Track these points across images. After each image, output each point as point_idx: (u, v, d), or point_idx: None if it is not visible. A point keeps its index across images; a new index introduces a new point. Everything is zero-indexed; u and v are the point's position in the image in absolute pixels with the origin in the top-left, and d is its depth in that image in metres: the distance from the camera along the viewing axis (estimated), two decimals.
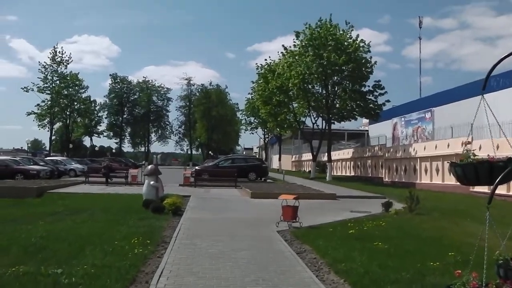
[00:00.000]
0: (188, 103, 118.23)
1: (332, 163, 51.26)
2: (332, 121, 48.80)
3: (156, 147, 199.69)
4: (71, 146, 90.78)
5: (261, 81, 55.97)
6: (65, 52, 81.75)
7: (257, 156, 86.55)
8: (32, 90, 79.08)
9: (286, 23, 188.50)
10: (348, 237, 12.76)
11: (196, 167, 44.96)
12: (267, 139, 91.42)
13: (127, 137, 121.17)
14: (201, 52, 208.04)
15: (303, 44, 45.86)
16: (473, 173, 5.71)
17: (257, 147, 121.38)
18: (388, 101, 47.05)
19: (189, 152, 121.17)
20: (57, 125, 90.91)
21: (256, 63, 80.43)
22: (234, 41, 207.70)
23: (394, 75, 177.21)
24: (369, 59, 45.01)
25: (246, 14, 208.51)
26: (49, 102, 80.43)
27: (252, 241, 12.25)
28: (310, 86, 47.14)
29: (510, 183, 24.60)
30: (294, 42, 47.74)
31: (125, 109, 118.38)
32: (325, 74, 44.54)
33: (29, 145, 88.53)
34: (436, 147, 34.43)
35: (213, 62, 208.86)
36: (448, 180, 32.06)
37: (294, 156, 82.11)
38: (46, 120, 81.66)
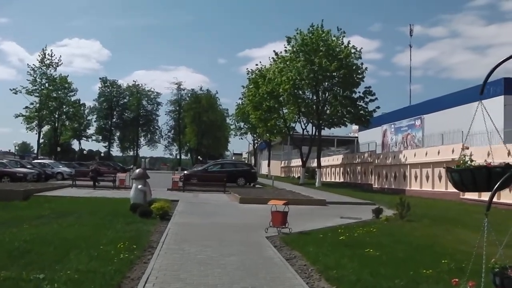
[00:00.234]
0: (178, 108, 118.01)
1: (322, 169, 51.13)
2: (322, 127, 48.74)
3: (145, 151, 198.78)
4: (59, 149, 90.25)
5: (252, 86, 55.89)
6: (54, 55, 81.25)
7: (246, 162, 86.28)
8: (21, 92, 78.55)
9: (277, 29, 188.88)
10: (338, 244, 12.55)
11: (185, 172, 44.70)
12: (256, 145, 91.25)
13: (116, 141, 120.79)
14: (192, 57, 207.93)
15: (294, 49, 45.76)
16: (470, 179, 5.55)
17: (246, 153, 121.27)
18: (378, 107, 47.24)
19: (178, 156, 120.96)
20: (46, 128, 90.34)
21: (247, 68, 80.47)
22: (225, 47, 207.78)
23: (385, 83, 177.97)
24: (360, 66, 44.97)
25: (237, 20, 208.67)
26: (38, 105, 79.85)
27: (241, 247, 12.02)
28: (300, 92, 47.05)
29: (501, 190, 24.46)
30: (285, 47, 47.69)
31: (115, 113, 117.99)
32: (316, 80, 44.42)
33: (16, 147, 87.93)
34: (426, 154, 34.38)
35: (204, 67, 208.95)
36: (438, 186, 32.03)
37: (283, 162, 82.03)
38: (34, 123, 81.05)
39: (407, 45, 75.87)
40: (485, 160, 5.51)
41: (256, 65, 60.55)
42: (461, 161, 5.74)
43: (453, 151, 30.24)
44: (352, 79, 44.36)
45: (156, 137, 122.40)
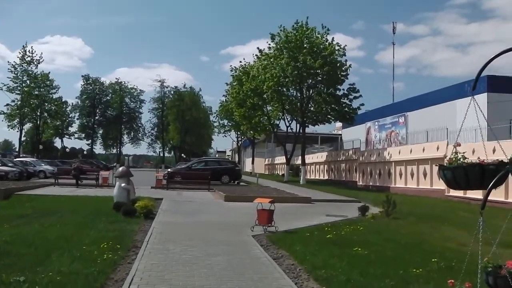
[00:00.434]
0: (161, 106, 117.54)
1: (306, 167, 51.02)
2: (307, 124, 48.62)
3: (129, 149, 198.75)
4: (41, 147, 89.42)
5: (236, 83, 55.64)
6: (35, 52, 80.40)
7: (230, 159, 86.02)
8: (1, 89, 77.71)
9: (260, 26, 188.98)
10: (326, 242, 12.39)
11: (169, 170, 44.41)
12: (240, 142, 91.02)
13: (99, 139, 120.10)
14: (174, 55, 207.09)
15: (278, 46, 45.54)
16: (463, 176, 5.40)
17: (230, 150, 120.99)
18: (362, 104, 47.18)
19: (161, 154, 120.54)
20: (28, 126, 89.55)
21: (231, 65, 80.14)
22: (208, 44, 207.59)
23: (367, 80, 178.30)
24: (344, 63, 44.85)
25: (220, 17, 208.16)
26: (19, 102, 79.01)
27: (227, 246, 11.80)
28: (284, 89, 46.86)
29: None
30: (269, 44, 47.41)
31: (97, 110, 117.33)
32: (300, 77, 44.23)
33: None
34: (411, 151, 34.33)
35: (187, 65, 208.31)
36: (423, 184, 32.02)
37: (267, 159, 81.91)
38: (16, 121, 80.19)
39: (390, 43, 75.69)
40: (478, 158, 5.36)
41: (240, 62, 60.30)
42: (454, 159, 5.58)
43: (438, 148, 30.27)
44: (336, 76, 44.27)
45: (140, 134, 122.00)
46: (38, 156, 78.43)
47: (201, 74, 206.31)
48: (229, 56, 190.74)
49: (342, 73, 44.53)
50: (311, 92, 46.69)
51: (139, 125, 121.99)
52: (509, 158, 5.07)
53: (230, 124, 77.74)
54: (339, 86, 45.46)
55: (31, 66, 79.81)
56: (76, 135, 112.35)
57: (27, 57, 79.20)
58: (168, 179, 34.64)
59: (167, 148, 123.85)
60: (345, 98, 45.86)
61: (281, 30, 45.56)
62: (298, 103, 47.01)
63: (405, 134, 46.60)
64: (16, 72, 78.79)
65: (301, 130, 49.20)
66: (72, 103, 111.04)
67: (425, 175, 31.89)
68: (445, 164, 5.67)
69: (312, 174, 57.78)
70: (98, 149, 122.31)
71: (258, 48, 50.16)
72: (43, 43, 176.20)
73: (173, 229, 14.61)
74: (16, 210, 18.21)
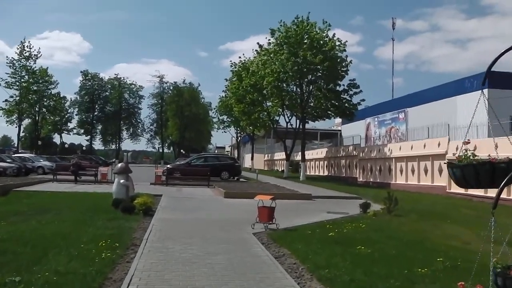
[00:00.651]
0: (160, 101, 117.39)
1: (306, 163, 50.79)
2: (306, 120, 48.40)
3: (128, 145, 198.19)
4: (40, 143, 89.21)
5: (235, 79, 55.42)
6: (33, 47, 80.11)
7: (229, 155, 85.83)
8: (0, 85, 77.45)
9: (258, 22, 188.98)
10: (328, 240, 12.17)
11: (168, 166, 44.20)
12: (239, 138, 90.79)
13: (98, 134, 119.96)
14: (173, 50, 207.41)
15: (278, 42, 45.29)
16: (473, 174, 5.20)
17: (229, 146, 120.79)
18: (363, 100, 46.96)
19: (160, 150, 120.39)
20: (26, 122, 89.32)
21: (230, 61, 79.98)
22: (207, 40, 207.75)
23: (366, 76, 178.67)
24: (345, 58, 44.63)
25: (219, 12, 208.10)
26: (18, 98, 78.73)
27: (228, 244, 11.58)
28: (284, 85, 46.58)
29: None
30: (269, 40, 47.16)
31: (96, 106, 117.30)
32: (300, 73, 44.02)
33: None
34: (412, 147, 34.12)
35: (186, 60, 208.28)
36: (424, 180, 31.83)
37: (266, 155, 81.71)
38: (14, 116, 79.97)
39: (388, 39, 75.77)
40: (489, 155, 5.17)
41: (239, 57, 60.05)
42: (463, 156, 5.38)
43: (439, 144, 30.08)
44: (336, 72, 44.05)
45: (139, 130, 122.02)
46: (37, 152, 78.19)
47: (199, 69, 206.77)
48: (228, 52, 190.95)
49: (342, 69, 44.30)
50: (311, 87, 46.46)
51: (138, 121, 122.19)
52: None
53: (230, 120, 77.51)
54: (339, 82, 45.22)
55: (29, 61, 79.56)
56: (75, 131, 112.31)
57: (25, 52, 78.95)
58: (167, 175, 34.44)
59: (166, 144, 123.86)
60: (345, 94, 45.62)
61: (281, 25, 45.34)
62: (298, 99, 46.79)
63: (405, 130, 46.40)
64: (14, 68, 78.60)
65: (301, 126, 48.97)
66: (71, 98, 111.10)
67: (426, 171, 31.70)
68: (454, 162, 5.47)
69: (311, 170, 57.59)
70: (98, 144, 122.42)
71: (258, 43, 50.03)
72: (41, 39, 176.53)
73: (173, 226, 14.41)
74: (14, 207, 17.99)
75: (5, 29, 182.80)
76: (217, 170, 38.71)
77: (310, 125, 54.84)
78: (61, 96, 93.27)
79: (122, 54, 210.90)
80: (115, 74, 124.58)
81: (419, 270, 9.05)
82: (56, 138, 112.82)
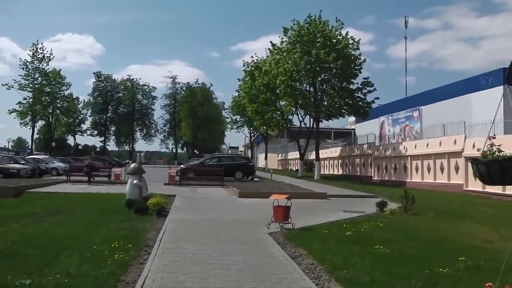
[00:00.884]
0: (173, 102, 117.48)
1: (320, 162, 50.45)
2: (320, 119, 48.07)
3: (142, 145, 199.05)
4: (54, 144, 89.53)
5: (248, 78, 55.18)
6: (45, 49, 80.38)
7: (243, 155, 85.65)
8: (13, 87, 77.72)
9: (270, 22, 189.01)
10: (345, 240, 11.90)
11: (182, 166, 44.06)
12: (253, 138, 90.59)
13: (112, 135, 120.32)
14: (185, 51, 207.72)
15: (291, 40, 44.97)
16: (498, 171, 4.94)
17: (242, 146, 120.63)
18: (377, 98, 46.43)
19: (174, 150, 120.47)
20: (40, 124, 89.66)
21: (243, 60, 79.77)
22: (218, 40, 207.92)
23: (379, 75, 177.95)
24: (358, 56, 44.23)
25: (230, 13, 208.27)
26: (31, 100, 78.98)
27: (243, 245, 11.35)
28: (297, 84, 46.26)
29: None
30: (282, 38, 46.91)
31: (109, 107, 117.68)
32: (313, 71, 43.73)
33: (9, 143, 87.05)
34: (427, 145, 33.69)
35: (198, 61, 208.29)
36: (440, 178, 31.43)
37: (280, 155, 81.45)
38: (28, 118, 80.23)
39: (400, 38, 75.44)
40: None
41: (252, 57, 59.89)
42: (488, 152, 5.13)
43: (455, 142, 29.70)
44: (350, 70, 43.64)
45: (152, 131, 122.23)
46: (51, 153, 78.46)
47: (211, 70, 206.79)
48: (239, 52, 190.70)
49: (356, 67, 43.90)
50: (324, 86, 46.09)
51: (152, 121, 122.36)
52: None
53: (243, 119, 77.38)
54: (352, 80, 44.82)
55: (42, 63, 79.81)
56: (88, 132, 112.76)
57: (38, 54, 79.22)
58: (181, 176, 34.26)
59: (180, 145, 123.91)
60: (359, 92, 45.21)
61: (294, 23, 45.04)
62: (312, 98, 46.45)
63: (419, 128, 46.01)
64: (27, 70, 78.84)
65: (314, 125, 48.66)
66: (84, 99, 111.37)
67: (442, 169, 31.30)
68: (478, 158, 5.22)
69: (326, 169, 57.22)
70: (112, 145, 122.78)
71: (271, 42, 49.73)
72: (54, 41, 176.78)
73: (187, 227, 14.21)
74: (26, 209, 17.89)
75: (18, 32, 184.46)
76: (231, 170, 38.47)
77: (324, 124, 54.54)
78: (74, 97, 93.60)
79: (134, 56, 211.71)
80: (128, 76, 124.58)
81: (440, 270, 8.76)
82: (70, 140, 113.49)
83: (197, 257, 9.86)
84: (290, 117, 56.46)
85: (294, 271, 8.84)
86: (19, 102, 79.22)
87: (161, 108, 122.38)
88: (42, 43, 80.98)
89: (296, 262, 9.65)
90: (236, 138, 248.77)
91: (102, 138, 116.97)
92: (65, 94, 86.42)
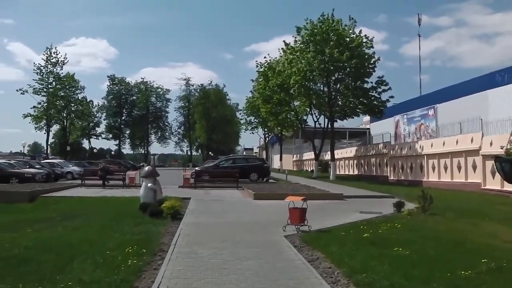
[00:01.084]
0: (187, 104, 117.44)
1: (335, 162, 50.13)
2: (335, 119, 47.72)
3: (156, 148, 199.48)
4: (68, 148, 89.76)
5: (261, 79, 55.04)
6: (59, 53, 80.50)
7: (257, 156, 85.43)
8: (27, 92, 77.89)
9: (282, 23, 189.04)
10: (363, 242, 11.65)
11: (196, 168, 43.94)
12: (267, 139, 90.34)
13: (127, 138, 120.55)
14: (199, 53, 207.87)
15: (304, 40, 44.68)
16: None
17: (257, 147, 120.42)
18: (392, 97, 45.86)
19: (189, 153, 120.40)
20: (55, 128, 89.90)
21: (256, 61, 79.58)
22: (232, 42, 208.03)
23: (392, 73, 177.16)
24: (372, 55, 43.81)
25: (243, 14, 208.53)
26: (45, 104, 79.16)
27: (258, 248, 11.16)
28: (311, 84, 45.96)
29: None
30: (295, 38, 46.63)
31: (124, 110, 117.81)
32: (327, 71, 43.46)
33: (24, 147, 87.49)
34: (444, 143, 33.27)
35: (211, 63, 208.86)
36: (457, 177, 31.02)
37: (295, 156, 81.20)
38: (43, 123, 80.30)
39: (414, 36, 74.85)
40: None
41: (265, 57, 59.68)
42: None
43: (472, 140, 29.29)
44: (364, 69, 43.28)
45: (167, 133, 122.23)
46: (66, 157, 78.60)
47: (225, 72, 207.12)
48: (253, 53, 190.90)
49: (369, 66, 43.53)
50: (338, 86, 45.75)
51: (166, 124, 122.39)
52: None
53: (257, 120, 77.14)
54: (367, 79, 44.44)
55: (56, 67, 79.96)
56: (103, 136, 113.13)
57: (52, 59, 79.39)
58: (196, 178, 34.09)
59: (194, 147, 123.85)
60: (374, 91, 44.80)
61: (307, 23, 44.76)
62: (326, 97, 46.15)
63: (435, 126, 45.61)
64: (41, 74, 79.02)
65: (329, 125, 48.36)
66: (98, 103, 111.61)
67: (459, 168, 30.88)
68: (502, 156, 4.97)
69: (341, 169, 56.81)
70: (127, 149, 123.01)
71: (284, 41, 49.50)
72: (68, 46, 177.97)
73: (201, 230, 14.04)
74: (41, 213, 17.87)
75: (32, 37, 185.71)
76: (246, 172, 38.21)
77: (338, 124, 54.18)
78: (88, 100, 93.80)
79: (148, 59, 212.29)
80: (141, 78, 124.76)
81: (462, 272, 8.50)
82: (86, 144, 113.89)
83: (212, 261, 9.69)
84: (305, 117, 56.27)
85: (312, 276, 8.64)
86: (34, 107, 79.42)
87: (175, 110, 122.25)
88: (56, 48, 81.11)
89: (313, 265, 9.45)
90: (250, 140, 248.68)
91: (117, 142, 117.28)
92: (79, 98, 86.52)
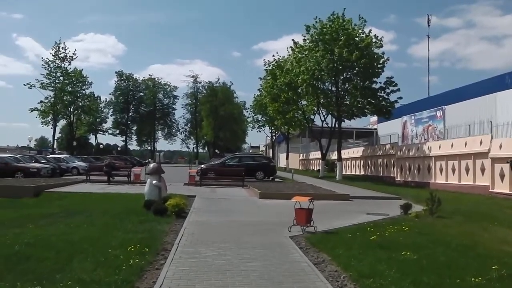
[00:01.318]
0: (194, 101, 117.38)
1: (342, 162, 49.83)
2: (342, 118, 47.41)
3: (163, 145, 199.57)
4: (75, 143, 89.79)
5: (269, 77, 54.83)
6: (67, 48, 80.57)
7: (264, 155, 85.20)
8: (35, 86, 77.98)
9: (291, 21, 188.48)
10: (370, 245, 11.42)
11: (202, 166, 43.76)
12: (274, 137, 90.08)
13: (134, 135, 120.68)
14: (207, 51, 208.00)
15: (313, 38, 44.37)
16: None
17: (263, 146, 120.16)
18: (400, 98, 45.45)
19: (195, 150, 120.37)
20: (62, 123, 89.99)
21: (264, 59, 79.34)
22: (240, 40, 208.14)
23: (401, 74, 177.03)
24: (382, 55, 43.45)
25: (252, 12, 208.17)
26: (52, 99, 79.18)
27: (263, 249, 10.93)
28: (319, 83, 45.66)
29: None
30: (304, 36, 46.32)
31: (131, 106, 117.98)
32: (335, 70, 43.13)
33: (31, 141, 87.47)
34: (452, 145, 32.94)
35: (219, 60, 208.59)
36: (465, 180, 30.71)
37: (301, 155, 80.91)
38: (50, 117, 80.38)
39: (422, 37, 75.09)
40: None
41: (273, 56, 59.41)
42: None
43: (481, 142, 28.98)
44: (373, 69, 42.93)
45: (173, 130, 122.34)
46: (73, 152, 78.63)
47: (233, 69, 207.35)
48: (261, 52, 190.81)
49: (378, 66, 43.18)
50: (346, 85, 45.42)
51: (173, 121, 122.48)
52: None
53: (264, 119, 76.91)
54: (375, 79, 44.11)
55: (64, 62, 80.00)
56: (110, 131, 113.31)
57: (60, 54, 79.45)
58: (202, 176, 33.89)
59: (201, 144, 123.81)
60: (382, 91, 44.44)
61: (316, 21, 44.47)
62: (334, 97, 45.86)
63: (443, 128, 45.26)
64: (49, 69, 79.08)
65: (336, 125, 48.07)
66: (106, 99, 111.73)
67: (467, 170, 30.56)
68: None
69: (348, 169, 56.50)
70: (133, 145, 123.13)
71: (293, 40, 49.10)
72: (77, 41, 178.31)
73: (206, 229, 13.83)
74: (44, 209, 17.69)
75: (42, 32, 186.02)
76: (252, 170, 38.04)
77: (346, 124, 53.91)
78: (96, 96, 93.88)
79: (156, 55, 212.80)
80: (149, 75, 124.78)
81: (473, 279, 8.26)
82: (92, 139, 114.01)
83: (216, 262, 9.48)
84: (312, 116, 55.93)
85: (317, 279, 8.41)
86: (41, 101, 79.49)
87: (182, 107, 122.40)
88: (64, 43, 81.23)
89: (319, 268, 9.23)
90: (257, 138, 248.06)
91: (124, 138, 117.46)
92: (87, 93, 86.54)
